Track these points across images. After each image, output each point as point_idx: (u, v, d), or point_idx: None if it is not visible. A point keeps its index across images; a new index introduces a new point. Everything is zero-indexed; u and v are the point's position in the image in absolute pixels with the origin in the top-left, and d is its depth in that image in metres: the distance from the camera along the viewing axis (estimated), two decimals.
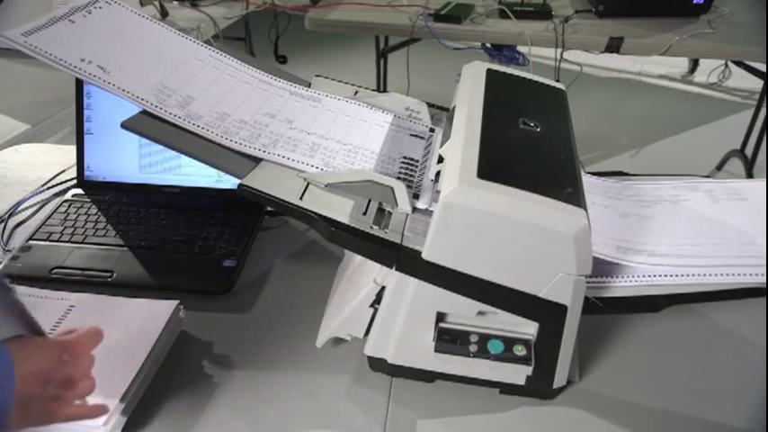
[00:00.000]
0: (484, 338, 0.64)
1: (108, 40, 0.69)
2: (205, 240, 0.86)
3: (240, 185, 0.62)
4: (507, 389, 0.67)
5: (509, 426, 0.66)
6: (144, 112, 0.64)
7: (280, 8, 2.41)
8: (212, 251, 0.85)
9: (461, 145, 0.61)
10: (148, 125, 0.64)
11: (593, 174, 0.82)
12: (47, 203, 1.00)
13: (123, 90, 0.64)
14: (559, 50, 1.76)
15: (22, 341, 0.53)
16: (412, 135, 0.76)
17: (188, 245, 0.85)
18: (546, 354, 0.64)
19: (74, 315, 0.72)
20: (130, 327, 0.70)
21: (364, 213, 0.63)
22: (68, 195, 0.96)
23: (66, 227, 0.89)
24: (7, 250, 0.89)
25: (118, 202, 0.93)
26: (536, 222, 0.55)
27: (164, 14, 2.04)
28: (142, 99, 0.64)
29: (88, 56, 0.65)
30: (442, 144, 0.67)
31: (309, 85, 0.81)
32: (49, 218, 0.91)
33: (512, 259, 0.58)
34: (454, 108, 0.71)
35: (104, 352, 0.67)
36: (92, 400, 0.60)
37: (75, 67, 0.64)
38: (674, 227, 0.72)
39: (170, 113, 0.65)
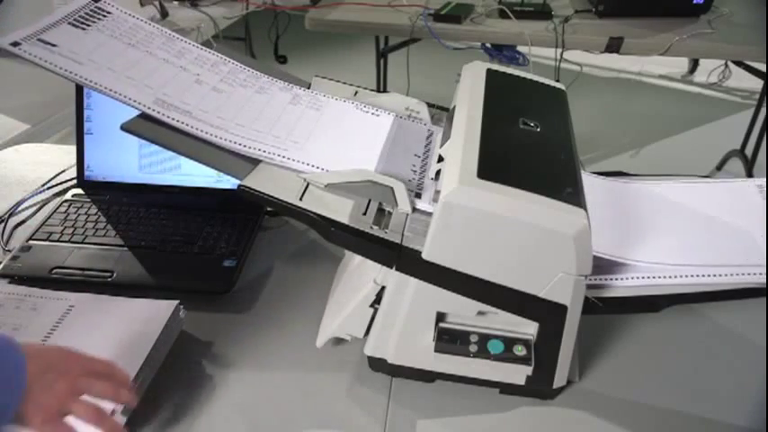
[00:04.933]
0: (484, 338, 0.64)
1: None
2: (205, 240, 0.86)
3: (240, 186, 0.62)
4: (507, 389, 0.67)
5: (509, 426, 0.66)
6: (143, 115, 0.64)
7: (280, 8, 2.42)
8: (212, 251, 0.85)
9: (461, 145, 0.61)
10: (148, 128, 0.64)
11: (594, 173, 0.82)
12: (47, 203, 1.00)
13: (120, 94, 0.64)
14: (559, 50, 1.76)
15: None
16: (414, 136, 0.76)
17: (188, 245, 0.85)
18: (546, 354, 0.64)
19: (73, 315, 0.72)
20: (130, 327, 0.70)
21: (364, 213, 0.63)
22: (68, 195, 0.96)
23: (66, 227, 0.89)
24: (7, 250, 0.89)
25: (118, 202, 0.93)
26: (536, 222, 0.55)
27: (164, 14, 2.04)
28: (140, 102, 0.64)
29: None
30: (442, 144, 0.67)
31: (309, 86, 0.81)
32: (49, 218, 0.91)
33: (512, 259, 0.58)
34: (454, 108, 0.71)
35: (104, 352, 0.67)
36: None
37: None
38: (674, 226, 0.72)
39: (173, 119, 0.65)
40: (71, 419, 0.55)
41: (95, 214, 0.91)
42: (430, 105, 0.82)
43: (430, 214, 0.60)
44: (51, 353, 0.58)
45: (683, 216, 0.74)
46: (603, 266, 0.66)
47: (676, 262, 0.66)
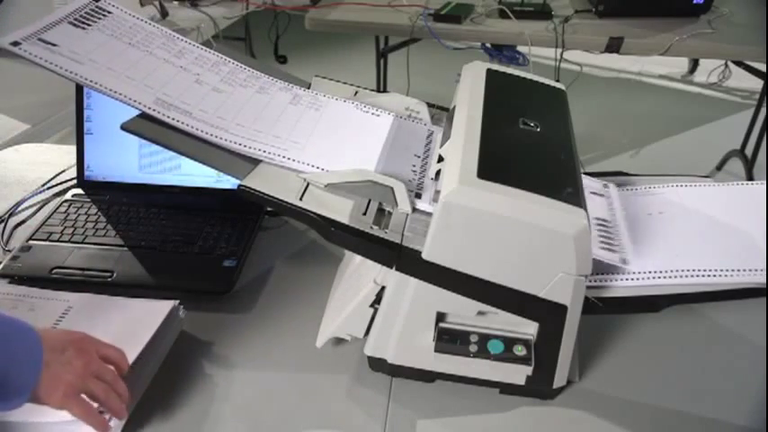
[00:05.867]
0: (484, 338, 0.64)
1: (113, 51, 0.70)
2: (205, 240, 0.86)
3: (240, 186, 0.62)
4: (507, 389, 0.67)
5: (509, 426, 0.66)
6: (143, 115, 0.64)
7: (280, 8, 2.41)
8: (212, 251, 0.85)
9: (461, 145, 0.61)
10: (148, 128, 0.64)
11: (593, 174, 0.82)
12: (47, 203, 1.00)
13: (121, 94, 0.64)
14: (559, 50, 1.76)
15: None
16: (414, 136, 0.76)
17: (188, 245, 0.85)
18: (546, 354, 0.64)
19: (71, 316, 0.72)
20: (128, 327, 0.70)
21: (364, 213, 0.63)
22: (68, 195, 0.96)
23: (66, 227, 0.89)
24: (7, 250, 0.89)
25: (118, 202, 0.93)
26: (536, 222, 0.55)
27: (164, 14, 2.04)
28: (140, 102, 0.64)
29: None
30: (442, 144, 0.67)
31: (309, 86, 0.81)
32: (49, 218, 0.91)
33: (512, 259, 0.58)
34: (454, 108, 0.71)
35: None
36: None
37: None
38: (674, 227, 0.72)
39: (173, 119, 0.65)
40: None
41: (95, 214, 0.91)
42: (430, 105, 0.82)
43: (430, 214, 0.60)
44: (68, 334, 0.60)
45: (682, 217, 0.74)
46: (603, 266, 0.66)
47: (676, 267, 0.66)
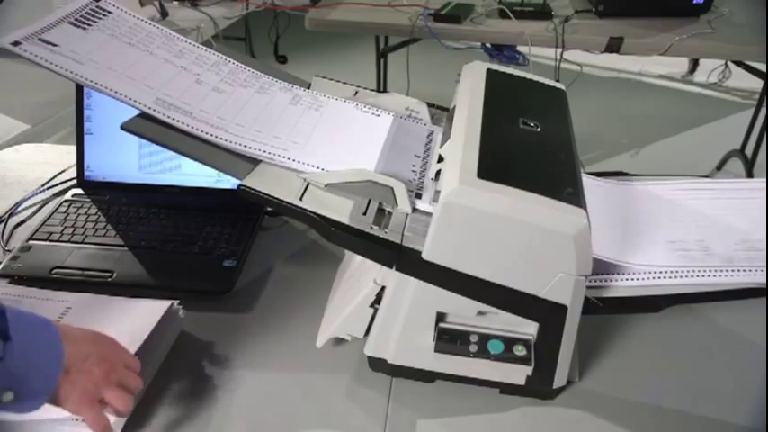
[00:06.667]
0: (484, 338, 0.64)
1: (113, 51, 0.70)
2: (205, 240, 0.86)
3: (240, 186, 0.62)
4: (507, 389, 0.67)
5: (509, 426, 0.66)
6: (143, 115, 0.64)
7: (280, 8, 2.41)
8: (212, 251, 0.85)
9: (461, 145, 0.61)
10: (148, 128, 0.64)
11: (593, 174, 0.82)
12: (47, 203, 1.00)
13: (121, 94, 0.64)
14: (559, 50, 1.76)
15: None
16: (414, 136, 0.76)
17: (188, 245, 0.85)
18: (546, 354, 0.64)
19: (71, 316, 0.72)
20: (127, 327, 0.70)
21: (364, 213, 0.63)
22: (68, 195, 0.96)
23: (66, 227, 0.89)
24: (7, 250, 0.89)
25: (118, 202, 0.93)
26: (536, 222, 0.55)
27: (163, 14, 2.04)
28: (140, 102, 0.64)
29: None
30: (442, 144, 0.67)
31: (309, 86, 0.81)
32: (49, 218, 0.91)
33: (512, 259, 0.58)
34: (454, 108, 0.71)
35: None
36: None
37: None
38: (674, 227, 0.72)
39: (173, 119, 0.65)
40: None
41: (95, 214, 0.91)
42: (430, 105, 0.82)
43: (430, 214, 0.60)
44: (94, 339, 0.59)
45: (683, 217, 0.74)
46: (603, 266, 0.66)
47: (675, 263, 0.66)
